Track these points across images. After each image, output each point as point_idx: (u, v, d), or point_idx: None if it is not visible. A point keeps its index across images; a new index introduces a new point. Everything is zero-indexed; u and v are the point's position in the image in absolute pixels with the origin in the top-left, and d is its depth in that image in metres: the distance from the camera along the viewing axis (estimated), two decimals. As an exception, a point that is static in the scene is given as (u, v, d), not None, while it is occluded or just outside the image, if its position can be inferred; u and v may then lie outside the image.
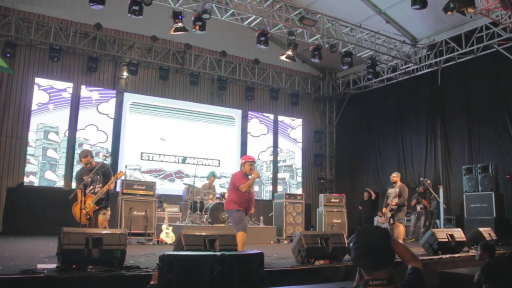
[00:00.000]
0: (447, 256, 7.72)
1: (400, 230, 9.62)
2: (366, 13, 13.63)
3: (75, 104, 13.62)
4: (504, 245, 9.86)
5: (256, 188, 7.41)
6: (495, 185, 11.39)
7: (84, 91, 13.78)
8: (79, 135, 13.54)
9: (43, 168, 12.95)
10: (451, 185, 13.69)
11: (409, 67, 15.12)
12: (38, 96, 13.10)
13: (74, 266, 4.76)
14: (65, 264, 4.74)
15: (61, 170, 13.20)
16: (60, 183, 13.12)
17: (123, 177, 10.06)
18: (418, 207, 13.28)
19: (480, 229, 9.05)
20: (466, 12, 9.97)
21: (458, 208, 12.96)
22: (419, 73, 15.01)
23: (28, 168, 12.76)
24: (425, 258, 7.40)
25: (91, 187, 6.94)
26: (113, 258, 4.90)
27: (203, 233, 5.89)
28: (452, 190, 13.64)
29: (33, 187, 12.68)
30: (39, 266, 5.02)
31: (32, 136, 12.87)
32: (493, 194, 11.26)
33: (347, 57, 13.64)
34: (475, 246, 7.92)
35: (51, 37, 13.12)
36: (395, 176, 10.18)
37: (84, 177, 6.90)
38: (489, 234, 8.96)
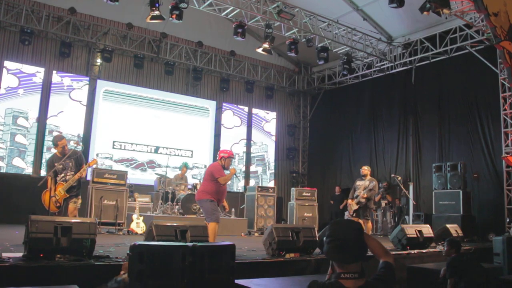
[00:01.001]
0: (415, 251, 7.89)
1: (367, 227, 9.71)
2: (343, 10, 13.71)
3: (46, 89, 13.30)
4: (469, 242, 10.14)
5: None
6: (463, 183, 11.65)
7: (56, 77, 13.47)
8: (51, 121, 13.24)
9: (11, 154, 12.63)
10: (421, 182, 13.96)
11: (384, 64, 15.29)
12: (7, 80, 12.73)
13: (41, 255, 4.65)
14: (32, 252, 4.62)
15: (30, 157, 12.90)
16: (29, 170, 12.83)
17: (95, 165, 9.89)
18: (383, 203, 13.52)
19: (448, 225, 9.27)
20: (441, 12, 10.13)
21: (427, 205, 13.21)
22: (393, 71, 15.20)
23: (-4, 153, 12.45)
24: (394, 253, 7.51)
25: (62, 174, 6.78)
26: (82, 248, 4.81)
27: (175, 224, 5.85)
28: (421, 187, 13.91)
29: (0, 173, 12.34)
30: (4, 254, 4.87)
31: (0, 120, 12.53)
32: (461, 192, 11.50)
33: (323, 52, 13.70)
34: (442, 242, 8.10)
35: (22, 19, 12.73)
36: (366, 169, 10.23)
37: (56, 164, 6.74)
38: (456, 230, 9.19)
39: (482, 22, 11.33)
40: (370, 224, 9.98)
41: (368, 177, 10.07)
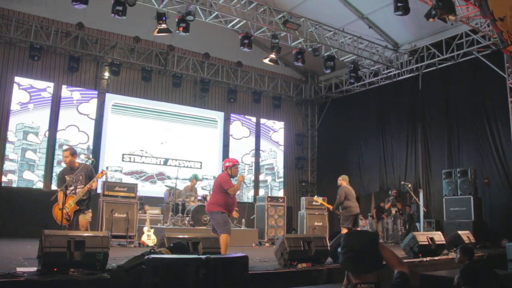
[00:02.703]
0: (428, 259, 7.84)
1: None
2: (349, 18, 13.75)
3: (55, 104, 13.45)
4: (482, 248, 10.06)
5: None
6: (474, 189, 11.57)
7: (65, 91, 13.62)
8: (60, 136, 13.36)
9: (21, 168, 12.74)
10: (431, 189, 13.88)
11: (390, 72, 15.29)
12: (18, 96, 12.90)
13: (55, 269, 4.68)
14: (46, 267, 4.66)
15: (41, 171, 13.01)
16: (40, 185, 12.92)
17: (104, 178, 9.95)
18: (393, 210, 13.45)
19: (459, 232, 9.21)
20: (447, 19, 10.12)
21: (438, 212, 13.13)
22: (400, 78, 15.19)
23: (7, 166, 12.54)
24: (406, 261, 7.48)
25: (72, 187, 6.79)
26: (95, 261, 4.84)
27: (186, 236, 5.87)
28: (432, 194, 13.83)
29: (11, 188, 12.44)
30: (19, 269, 4.92)
31: (11, 136, 12.67)
32: (471, 198, 11.43)
33: (329, 61, 13.72)
34: (455, 249, 8.06)
35: (32, 35, 12.91)
36: (339, 179, 9.99)
37: (67, 177, 6.79)
38: (468, 237, 9.11)
39: (488, 27, 11.32)
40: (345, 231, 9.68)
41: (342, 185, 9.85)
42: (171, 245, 4.97)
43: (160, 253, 4.52)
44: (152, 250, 4.84)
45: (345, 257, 2.20)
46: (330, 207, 10.60)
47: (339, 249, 2.25)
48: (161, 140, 14.86)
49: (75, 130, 13.58)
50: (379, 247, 2.24)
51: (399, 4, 10.04)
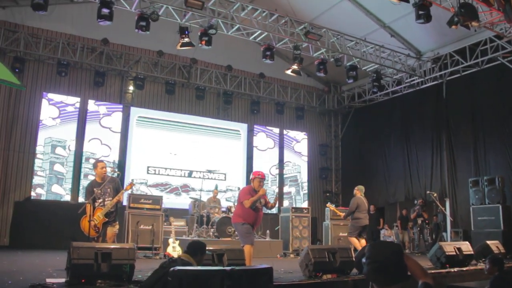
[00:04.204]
0: (455, 269, 7.69)
1: (353, 244, 9.39)
2: (370, 27, 13.73)
3: (82, 118, 13.76)
4: (512, 259, 9.80)
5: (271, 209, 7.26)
6: (502, 198, 11.35)
7: (92, 106, 13.93)
8: (87, 149, 13.65)
9: (50, 182, 13.04)
10: (458, 198, 13.65)
11: (414, 80, 15.16)
12: (47, 111, 13.26)
13: (83, 280, 4.79)
14: (74, 278, 4.77)
15: (68, 184, 13.27)
16: (67, 197, 13.18)
17: (129, 191, 10.09)
18: (419, 220, 13.25)
19: (488, 242, 8.99)
20: (470, 25, 10.02)
21: (465, 221, 12.89)
22: (424, 86, 15.05)
23: (36, 180, 12.86)
24: (433, 271, 7.37)
25: (101, 199, 6.92)
26: (122, 273, 4.93)
27: (211, 248, 5.90)
28: (458, 203, 13.60)
29: (40, 201, 12.75)
30: (48, 280, 5.05)
31: (40, 149, 12.99)
32: (500, 206, 11.21)
33: (352, 70, 13.70)
34: (483, 259, 7.88)
35: (59, 52, 13.28)
36: (355, 189, 9.98)
37: (95, 189, 6.92)
38: (497, 247, 8.89)
39: (513, 33, 11.17)
40: (354, 240, 9.51)
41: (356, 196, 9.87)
42: (186, 249, 4.95)
43: (180, 259, 4.53)
44: (170, 259, 4.88)
45: (368, 268, 2.20)
46: (342, 214, 10.81)
47: (363, 260, 2.25)
48: (173, 151, 14.93)
49: (98, 143, 13.84)
50: (404, 258, 2.23)
51: (420, 12, 9.96)
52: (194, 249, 4.74)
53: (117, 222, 7.17)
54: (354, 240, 9.51)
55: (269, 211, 15.45)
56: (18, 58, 12.88)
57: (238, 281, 3.52)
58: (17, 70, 12.63)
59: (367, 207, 9.81)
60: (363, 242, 9.43)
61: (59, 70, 13.36)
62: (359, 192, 9.84)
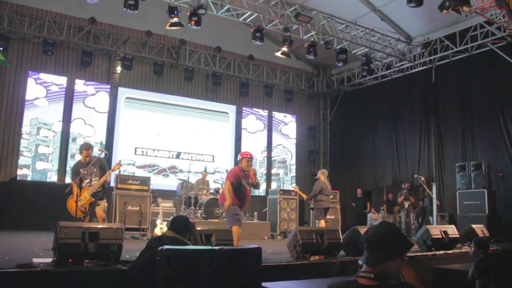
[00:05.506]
0: (441, 252, 7.79)
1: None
2: (361, 11, 13.65)
3: (69, 98, 13.56)
4: (496, 242, 9.94)
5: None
6: (488, 183, 11.46)
7: (79, 86, 13.72)
8: (74, 129, 13.48)
9: (34, 160, 12.88)
10: (444, 182, 13.79)
11: (403, 64, 15.17)
12: (33, 90, 13.02)
13: (70, 260, 4.75)
14: (61, 258, 4.72)
15: (55, 165, 13.13)
16: (54, 178, 13.05)
17: (117, 171, 10.03)
18: (406, 204, 13.36)
19: (473, 226, 9.12)
20: (461, 10, 10.00)
21: (451, 205, 13.04)
22: (413, 70, 15.06)
23: (21, 160, 12.69)
24: (419, 254, 7.47)
25: (87, 180, 6.89)
26: (109, 253, 4.89)
27: (199, 228, 5.89)
28: (445, 187, 13.74)
29: (26, 182, 12.61)
30: (35, 260, 5.00)
31: (26, 130, 12.80)
32: (485, 191, 11.32)
33: (342, 54, 13.65)
34: (468, 242, 7.99)
35: (45, 30, 13.02)
36: (319, 173, 10.44)
37: (81, 170, 6.87)
38: (482, 231, 9.03)
39: (503, 19, 11.17)
40: (323, 222, 9.86)
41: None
42: (169, 225, 4.77)
43: (166, 237, 4.38)
44: (154, 237, 4.79)
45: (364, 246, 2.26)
46: (305, 196, 11.20)
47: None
48: (160, 132, 14.83)
49: (81, 123, 13.65)
50: (391, 238, 2.24)
51: (412, -4, 9.94)
52: (179, 228, 4.58)
53: (105, 200, 7.16)
54: (322, 223, 9.84)
55: (257, 193, 15.62)
56: (2, 35, 12.58)
57: (227, 260, 3.52)
58: (1, 48, 12.36)
59: (330, 190, 10.22)
60: (323, 223, 9.85)
61: (45, 49, 13.10)
62: (323, 175, 10.28)
